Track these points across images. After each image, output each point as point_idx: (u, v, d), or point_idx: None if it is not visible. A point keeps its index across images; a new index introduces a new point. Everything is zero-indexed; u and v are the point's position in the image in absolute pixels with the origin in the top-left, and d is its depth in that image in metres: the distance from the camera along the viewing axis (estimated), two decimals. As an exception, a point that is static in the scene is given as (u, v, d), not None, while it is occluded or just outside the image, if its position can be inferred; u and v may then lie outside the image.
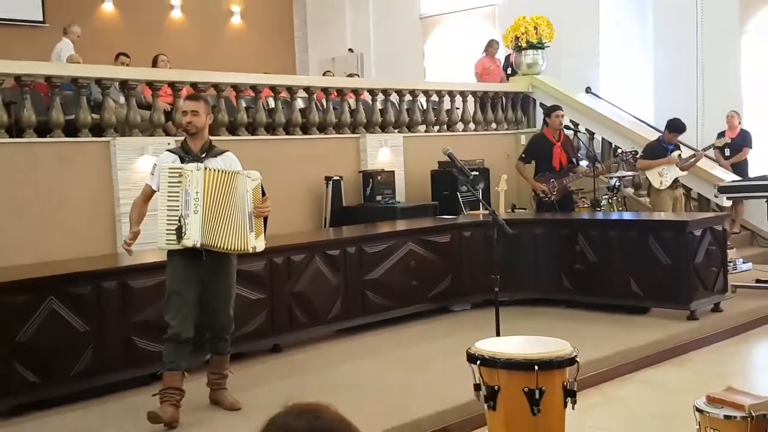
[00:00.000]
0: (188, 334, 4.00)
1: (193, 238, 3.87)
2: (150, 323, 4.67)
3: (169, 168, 3.96)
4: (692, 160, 8.03)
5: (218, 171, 3.99)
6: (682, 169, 7.98)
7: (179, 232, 3.87)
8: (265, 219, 4.14)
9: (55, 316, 4.32)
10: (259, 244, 4.09)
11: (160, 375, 4.11)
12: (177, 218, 3.89)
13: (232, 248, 4.01)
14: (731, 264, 7.31)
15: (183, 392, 4.02)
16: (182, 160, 4.04)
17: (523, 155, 7.88)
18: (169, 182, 3.92)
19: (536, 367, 2.91)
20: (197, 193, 3.89)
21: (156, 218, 6.31)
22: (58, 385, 4.33)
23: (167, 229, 3.91)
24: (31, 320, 4.23)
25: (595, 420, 4.26)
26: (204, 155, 4.09)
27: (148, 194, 4.15)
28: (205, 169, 3.96)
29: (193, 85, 7.34)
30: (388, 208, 7.86)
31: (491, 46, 10.65)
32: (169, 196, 3.91)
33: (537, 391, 2.89)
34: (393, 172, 8.33)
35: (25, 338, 4.20)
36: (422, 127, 9.28)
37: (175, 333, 3.97)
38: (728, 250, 6.92)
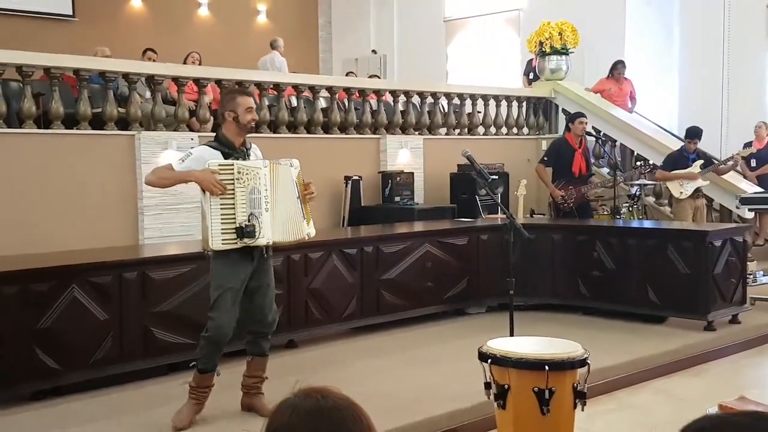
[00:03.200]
0: (230, 336, 3.88)
1: (267, 236, 3.80)
2: (169, 314, 4.75)
3: (220, 164, 3.78)
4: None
5: (276, 165, 3.89)
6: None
7: (250, 232, 3.74)
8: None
9: (77, 305, 4.40)
10: (311, 230, 4.04)
11: (192, 367, 3.98)
12: (232, 217, 3.75)
13: (294, 240, 3.99)
14: (751, 276, 7.25)
15: (212, 387, 4.02)
16: (226, 156, 3.88)
17: (545, 158, 7.87)
18: (220, 179, 3.76)
19: (547, 367, 2.92)
20: (266, 190, 3.81)
21: (177, 211, 6.50)
22: (77, 372, 4.40)
23: (223, 229, 3.75)
24: (54, 307, 4.30)
25: (606, 425, 4.27)
26: (246, 150, 3.97)
27: (169, 169, 3.98)
28: (270, 164, 3.87)
29: (218, 81, 7.43)
30: (406, 209, 7.90)
31: (615, 68, 9.93)
32: (218, 192, 3.75)
33: (547, 391, 2.91)
34: (412, 173, 8.36)
35: (46, 325, 4.28)
36: (443, 130, 9.30)
37: (221, 335, 3.82)
38: (749, 263, 6.88)
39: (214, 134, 7.04)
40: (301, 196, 3.95)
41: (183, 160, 3.92)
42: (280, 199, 3.89)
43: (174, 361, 4.81)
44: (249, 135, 4.07)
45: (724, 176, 8.31)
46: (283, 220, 3.89)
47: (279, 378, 4.41)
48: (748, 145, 9.19)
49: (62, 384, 4.37)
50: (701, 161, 7.93)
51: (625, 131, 9.49)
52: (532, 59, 10.56)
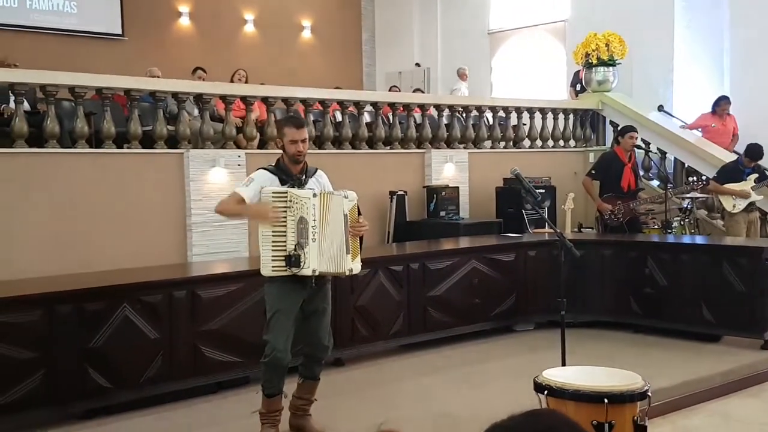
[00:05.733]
0: (289, 359, 3.89)
1: (312, 266, 3.79)
2: (217, 332, 4.78)
3: (273, 192, 3.82)
4: None
5: (327, 195, 3.90)
6: None
7: (295, 261, 3.76)
8: (361, 238, 4.06)
9: (128, 323, 4.45)
10: (355, 265, 4.00)
11: (260, 393, 3.99)
12: (283, 244, 3.77)
13: (335, 272, 3.95)
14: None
15: (282, 410, 4.04)
16: (282, 183, 3.91)
17: (593, 171, 7.74)
18: (273, 207, 3.78)
19: (606, 400, 2.85)
20: (314, 220, 3.80)
21: (224, 228, 6.56)
22: (128, 391, 4.46)
23: (273, 256, 3.78)
24: (105, 326, 4.37)
25: (662, 451, 4.15)
26: (304, 177, 3.98)
27: (238, 200, 3.95)
28: (321, 194, 3.87)
29: (264, 99, 7.50)
30: (452, 224, 7.84)
31: (719, 104, 9.35)
32: (273, 222, 3.78)
33: (606, 425, 2.82)
34: (457, 188, 8.31)
35: (99, 344, 4.34)
36: (488, 143, 9.23)
37: (278, 358, 3.83)
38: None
39: (259, 151, 7.23)
40: (348, 229, 3.91)
41: (247, 185, 3.95)
42: (328, 229, 3.87)
43: (223, 379, 4.85)
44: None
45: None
46: (329, 251, 3.87)
47: (327, 398, 4.41)
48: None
49: (113, 403, 4.43)
50: (756, 175, 7.72)
51: (676, 143, 9.29)
52: (579, 70, 10.42)
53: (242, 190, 3.95)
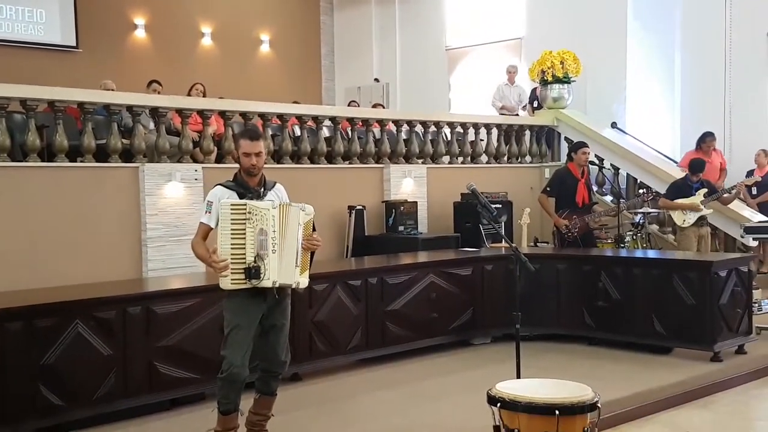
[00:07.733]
0: (246, 374, 3.84)
1: (273, 278, 3.77)
2: (173, 348, 4.73)
3: (231, 204, 3.77)
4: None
5: (286, 206, 3.88)
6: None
7: (255, 273, 3.73)
8: (312, 254, 4.03)
9: (81, 340, 4.37)
10: (303, 280, 3.95)
11: (216, 411, 3.93)
12: (242, 257, 3.73)
13: (285, 284, 3.89)
14: (756, 305, 7.21)
15: (238, 428, 3.99)
16: (241, 196, 3.88)
17: (548, 188, 7.87)
18: (232, 219, 3.74)
19: (557, 412, 2.89)
20: (274, 231, 3.78)
21: (180, 243, 6.50)
22: (81, 409, 4.36)
23: (232, 269, 3.74)
24: (57, 343, 4.28)
25: (615, 462, 4.22)
26: (263, 190, 3.96)
27: (206, 232, 3.94)
28: (280, 205, 3.85)
29: (222, 113, 7.46)
30: (410, 239, 7.89)
31: (704, 141, 9.08)
32: (233, 235, 3.74)
33: (558, 436, 2.87)
34: (416, 202, 8.37)
35: (50, 361, 4.25)
36: (446, 159, 9.33)
37: (235, 374, 3.79)
38: (753, 291, 6.84)
39: (216, 165, 7.18)
40: (301, 242, 3.89)
41: (208, 212, 3.92)
42: (286, 241, 3.85)
43: (178, 395, 4.79)
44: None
45: (728, 205, 8.29)
46: (285, 262, 3.85)
47: (284, 413, 4.39)
48: (750, 173, 9.19)
49: (65, 421, 4.33)
50: (705, 190, 7.91)
51: (629, 159, 9.50)
52: (536, 87, 10.61)
53: (206, 219, 3.93)
